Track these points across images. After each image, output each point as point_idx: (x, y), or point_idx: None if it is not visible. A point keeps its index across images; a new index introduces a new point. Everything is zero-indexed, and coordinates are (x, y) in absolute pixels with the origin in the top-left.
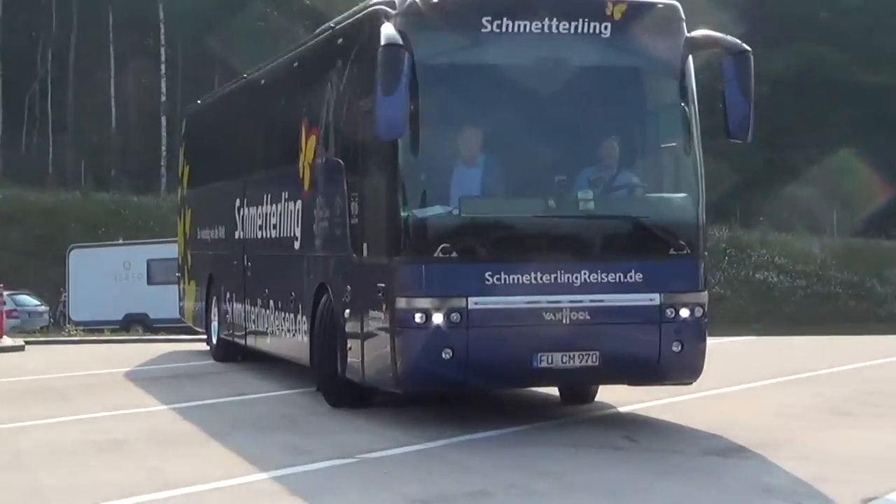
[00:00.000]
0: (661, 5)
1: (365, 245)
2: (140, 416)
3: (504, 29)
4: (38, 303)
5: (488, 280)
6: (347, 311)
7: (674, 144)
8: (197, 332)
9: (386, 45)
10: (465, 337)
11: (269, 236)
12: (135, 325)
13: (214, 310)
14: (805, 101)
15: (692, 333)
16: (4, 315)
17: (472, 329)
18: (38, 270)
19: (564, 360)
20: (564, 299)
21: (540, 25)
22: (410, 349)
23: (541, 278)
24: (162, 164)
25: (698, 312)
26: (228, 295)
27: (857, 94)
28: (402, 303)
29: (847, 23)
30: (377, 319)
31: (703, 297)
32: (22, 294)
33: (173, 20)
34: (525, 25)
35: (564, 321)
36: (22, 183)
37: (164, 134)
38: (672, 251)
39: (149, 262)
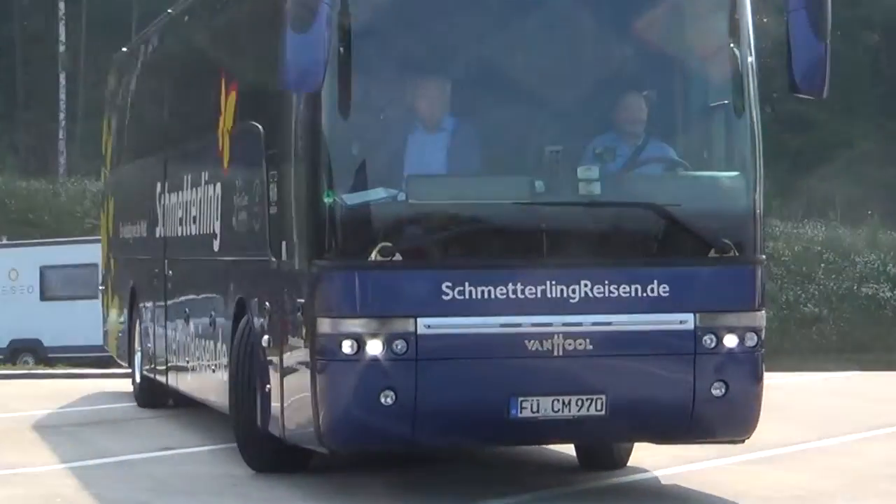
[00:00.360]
0: None
1: (283, 245)
2: (24, 479)
3: None
4: None
5: (447, 294)
6: (266, 337)
7: (720, 102)
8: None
9: None
10: (413, 374)
11: (188, 234)
12: (23, 354)
13: (137, 336)
14: None
15: (742, 371)
16: None
17: (423, 363)
18: None
19: (556, 408)
20: (557, 321)
21: None
22: (336, 392)
23: (523, 292)
24: (60, 136)
25: (751, 341)
26: (149, 315)
27: None
28: (324, 326)
29: None
30: (297, 350)
31: (759, 318)
32: None
33: None
34: None
35: (556, 352)
36: None
37: (62, 97)
38: (713, 253)
39: (42, 271)
